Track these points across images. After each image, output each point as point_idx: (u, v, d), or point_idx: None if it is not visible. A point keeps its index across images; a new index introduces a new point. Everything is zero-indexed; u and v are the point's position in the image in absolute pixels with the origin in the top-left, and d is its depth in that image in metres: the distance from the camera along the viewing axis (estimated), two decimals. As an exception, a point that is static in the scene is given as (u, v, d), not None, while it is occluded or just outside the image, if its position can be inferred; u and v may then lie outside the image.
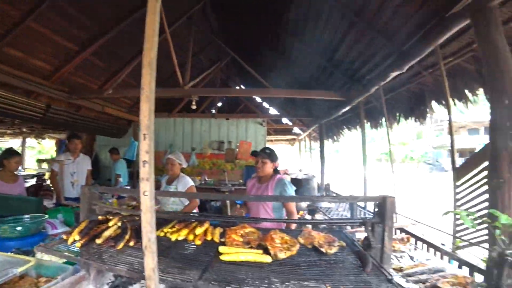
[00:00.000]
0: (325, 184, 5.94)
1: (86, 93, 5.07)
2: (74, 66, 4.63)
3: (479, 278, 1.81)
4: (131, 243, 1.45)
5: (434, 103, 3.54)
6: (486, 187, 1.93)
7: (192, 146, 7.26)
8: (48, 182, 9.06)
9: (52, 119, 5.25)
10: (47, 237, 2.24)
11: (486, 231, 1.89)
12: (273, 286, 1.15)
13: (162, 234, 1.66)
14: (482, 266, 1.77)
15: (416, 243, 2.61)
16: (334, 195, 5.23)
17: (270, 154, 2.83)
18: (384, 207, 1.46)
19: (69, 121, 5.74)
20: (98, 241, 1.44)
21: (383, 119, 4.46)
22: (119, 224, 1.63)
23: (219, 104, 10.01)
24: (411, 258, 2.18)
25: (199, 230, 1.64)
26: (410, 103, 4.04)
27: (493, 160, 1.62)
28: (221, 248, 1.45)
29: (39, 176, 9.84)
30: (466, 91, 2.95)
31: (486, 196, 1.85)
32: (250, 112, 8.96)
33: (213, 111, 8.17)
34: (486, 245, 1.73)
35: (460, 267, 2.06)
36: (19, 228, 2.08)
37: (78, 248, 1.37)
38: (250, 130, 7.35)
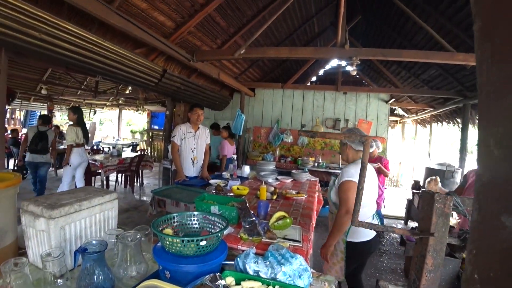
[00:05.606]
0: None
1: (211, 54, 4.36)
2: (195, 23, 3.99)
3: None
4: None
5: None
6: None
7: (302, 122, 6.42)
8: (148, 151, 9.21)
9: (165, 86, 4.77)
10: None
11: None
12: None
13: None
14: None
15: None
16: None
17: None
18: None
19: (180, 90, 5.28)
20: None
21: None
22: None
23: (313, 79, 8.75)
24: None
25: None
26: None
27: None
28: None
29: (134, 146, 10.24)
30: None
31: None
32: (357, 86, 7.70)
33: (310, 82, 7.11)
34: None
35: None
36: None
37: None
38: (371, 107, 6.17)
